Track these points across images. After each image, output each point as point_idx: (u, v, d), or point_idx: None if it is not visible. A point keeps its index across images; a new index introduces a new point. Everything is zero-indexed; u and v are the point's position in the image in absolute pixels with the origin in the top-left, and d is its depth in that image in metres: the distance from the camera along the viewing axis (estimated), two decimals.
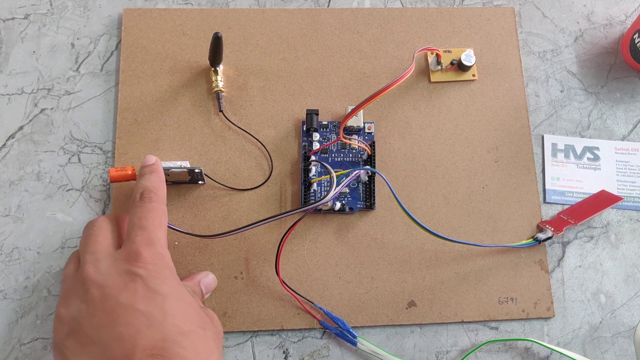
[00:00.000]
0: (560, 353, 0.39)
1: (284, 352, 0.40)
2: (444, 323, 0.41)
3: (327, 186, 0.43)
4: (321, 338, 0.40)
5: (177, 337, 0.29)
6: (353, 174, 0.41)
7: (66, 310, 0.31)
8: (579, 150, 0.45)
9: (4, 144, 0.43)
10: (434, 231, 0.38)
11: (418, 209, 0.43)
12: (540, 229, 0.43)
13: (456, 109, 0.45)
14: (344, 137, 0.41)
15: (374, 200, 0.42)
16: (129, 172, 0.39)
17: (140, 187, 0.35)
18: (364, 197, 0.42)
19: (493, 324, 0.41)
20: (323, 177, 0.42)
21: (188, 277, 0.38)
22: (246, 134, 0.43)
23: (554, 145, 0.45)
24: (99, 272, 0.31)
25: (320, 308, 0.40)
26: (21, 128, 0.43)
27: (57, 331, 0.31)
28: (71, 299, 0.31)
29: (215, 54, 0.42)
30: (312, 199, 0.42)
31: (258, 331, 0.40)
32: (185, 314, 0.31)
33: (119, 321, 0.29)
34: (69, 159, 0.43)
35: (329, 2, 0.48)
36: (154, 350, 0.28)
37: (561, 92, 0.47)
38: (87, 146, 0.43)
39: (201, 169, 0.40)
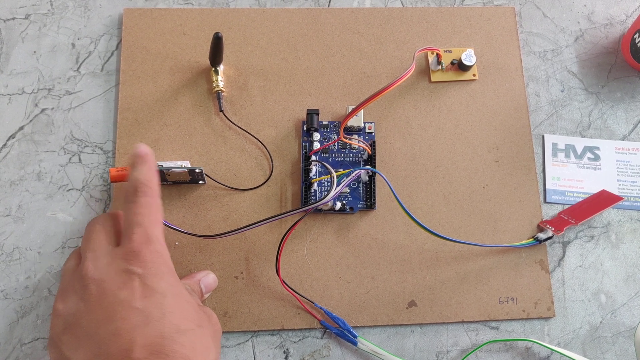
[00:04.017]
0: (560, 353, 0.39)
1: (284, 352, 0.40)
2: (444, 323, 0.41)
3: (327, 186, 0.43)
4: (322, 338, 0.40)
5: (174, 335, 0.29)
6: (353, 174, 0.41)
7: (64, 306, 0.31)
8: (579, 150, 0.45)
9: (5, 144, 0.43)
10: (435, 231, 0.38)
11: (418, 208, 0.43)
12: (540, 229, 0.43)
13: (457, 108, 0.45)
14: (344, 137, 0.41)
15: (374, 200, 0.42)
16: None
17: (133, 181, 0.34)
18: (365, 197, 0.42)
19: (493, 324, 0.41)
20: (323, 177, 0.42)
21: (188, 276, 0.39)
22: (246, 133, 0.43)
23: (554, 145, 0.45)
24: (98, 269, 0.31)
25: (321, 308, 0.40)
26: (22, 128, 0.43)
27: (54, 326, 0.31)
28: (69, 295, 0.31)
29: (216, 53, 0.42)
30: (313, 199, 0.42)
31: (258, 331, 0.40)
32: (183, 312, 0.31)
33: (116, 318, 0.29)
34: (70, 159, 0.43)
35: (329, 2, 0.48)
36: (151, 347, 0.28)
37: (562, 91, 0.47)
38: (87, 146, 0.43)
39: (201, 169, 0.40)
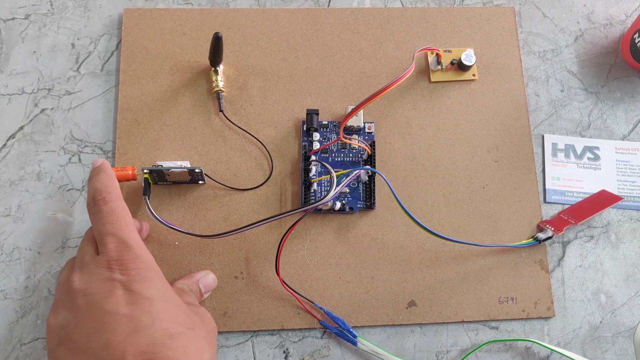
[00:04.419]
0: (560, 353, 0.39)
1: (284, 352, 0.40)
2: (444, 323, 0.41)
3: (327, 186, 0.43)
4: (321, 338, 0.40)
5: (166, 340, 0.29)
6: (353, 174, 0.41)
7: (55, 320, 0.31)
8: (579, 150, 0.45)
9: (5, 144, 0.43)
10: (434, 231, 0.38)
11: (418, 208, 0.43)
12: (540, 229, 0.43)
13: (456, 108, 0.45)
14: (344, 137, 0.41)
15: (374, 200, 0.42)
16: (129, 172, 0.39)
17: (90, 191, 0.34)
18: (364, 196, 0.42)
19: (493, 324, 0.41)
20: (323, 177, 0.42)
21: (187, 276, 0.39)
22: (246, 133, 0.43)
23: (554, 145, 0.45)
24: (83, 280, 0.31)
25: (321, 308, 0.40)
26: (22, 128, 0.43)
27: (49, 340, 0.31)
28: (59, 308, 0.31)
29: (216, 53, 0.42)
30: (312, 199, 0.42)
31: (258, 331, 0.40)
32: (172, 316, 0.31)
33: (106, 329, 0.29)
34: (70, 159, 0.43)
35: (329, 2, 0.48)
36: (143, 355, 0.28)
37: (561, 91, 0.47)
38: (87, 146, 0.43)
39: (201, 169, 0.40)
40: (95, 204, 0.33)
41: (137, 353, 0.28)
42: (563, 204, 0.44)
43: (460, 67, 0.46)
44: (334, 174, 0.40)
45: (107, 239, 0.32)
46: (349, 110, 0.41)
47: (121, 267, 0.31)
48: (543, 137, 0.46)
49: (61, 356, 0.30)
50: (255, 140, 0.43)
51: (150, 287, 0.31)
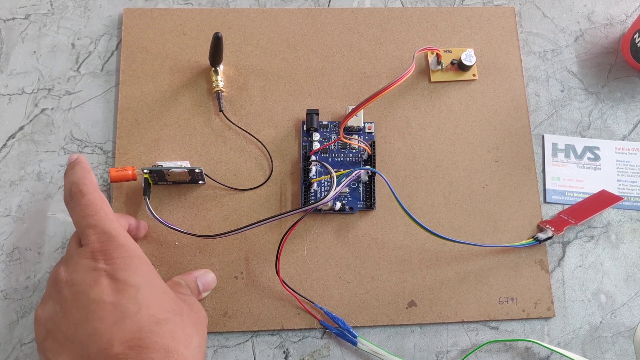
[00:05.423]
0: (560, 353, 0.39)
1: (284, 352, 0.40)
2: (444, 323, 0.41)
3: (327, 186, 0.43)
4: (321, 338, 0.40)
5: (153, 327, 0.29)
6: (353, 174, 0.41)
7: (42, 312, 0.31)
8: (579, 150, 0.45)
9: (5, 144, 0.43)
10: (434, 231, 0.38)
11: (418, 208, 0.43)
12: (540, 229, 0.43)
13: (456, 108, 0.45)
14: (344, 137, 0.41)
15: (374, 200, 0.42)
16: (129, 173, 0.39)
17: (66, 185, 0.33)
18: (364, 197, 0.42)
19: (493, 324, 0.41)
20: (323, 177, 0.42)
21: (185, 273, 0.39)
22: (246, 133, 0.43)
23: (554, 145, 0.45)
24: (68, 271, 0.31)
25: (321, 308, 0.40)
26: (22, 128, 0.43)
27: (37, 333, 0.31)
28: (47, 301, 0.31)
29: (216, 53, 0.42)
30: (313, 199, 0.42)
31: (258, 331, 0.40)
32: (159, 303, 0.31)
33: (92, 317, 0.29)
34: None
35: (329, 2, 0.48)
36: (130, 342, 0.28)
37: (561, 91, 0.47)
38: (87, 146, 0.43)
39: (201, 169, 0.40)
40: (72, 198, 0.33)
41: (124, 340, 0.28)
42: (563, 204, 0.44)
43: (461, 67, 0.46)
44: (334, 174, 0.40)
45: (88, 231, 0.32)
46: (349, 110, 0.41)
47: (105, 257, 0.31)
48: (543, 137, 0.46)
49: (49, 347, 0.30)
50: (255, 140, 0.43)
51: (136, 274, 0.31)
